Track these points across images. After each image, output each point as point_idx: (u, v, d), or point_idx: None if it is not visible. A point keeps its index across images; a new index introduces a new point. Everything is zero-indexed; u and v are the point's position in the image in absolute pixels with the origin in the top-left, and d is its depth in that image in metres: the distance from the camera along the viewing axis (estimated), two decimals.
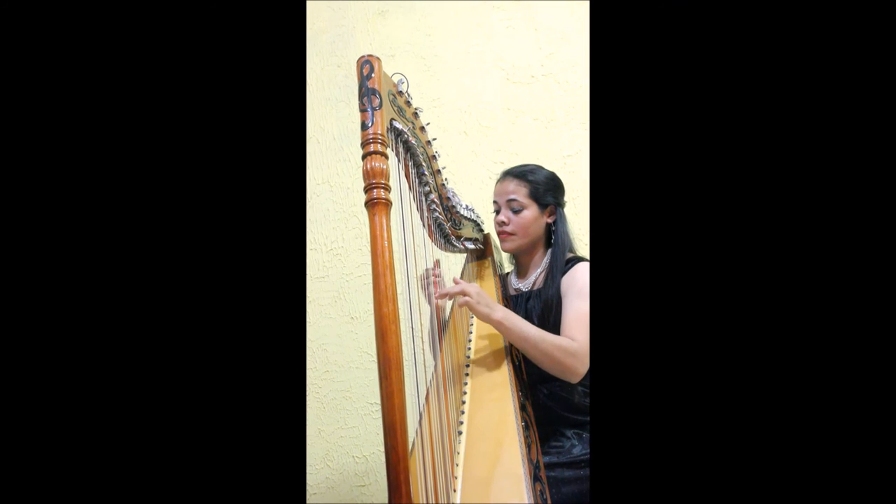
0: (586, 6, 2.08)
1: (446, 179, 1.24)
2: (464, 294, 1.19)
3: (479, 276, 1.55)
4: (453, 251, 1.47)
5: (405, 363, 0.76)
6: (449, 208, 1.29)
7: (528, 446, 1.02)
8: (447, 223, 1.31)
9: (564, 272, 1.34)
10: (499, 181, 1.46)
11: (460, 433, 1.08)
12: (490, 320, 1.20)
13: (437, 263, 1.38)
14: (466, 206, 1.38)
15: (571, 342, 1.19)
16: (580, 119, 2.16)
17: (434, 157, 1.15)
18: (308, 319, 2.27)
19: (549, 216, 1.42)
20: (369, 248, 0.77)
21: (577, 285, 1.28)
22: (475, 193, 2.06)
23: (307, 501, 2.12)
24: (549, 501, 0.98)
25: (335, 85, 2.45)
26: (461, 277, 1.49)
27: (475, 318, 1.38)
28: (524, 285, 1.44)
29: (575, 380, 1.20)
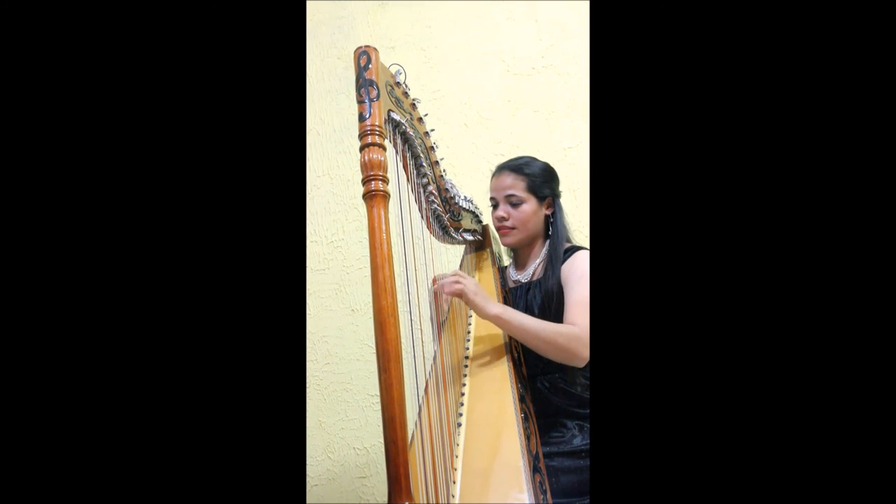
0: None
1: (444, 171, 1.23)
2: (458, 282, 1.18)
3: (477, 268, 1.55)
4: (452, 243, 1.47)
5: (404, 355, 0.76)
6: (447, 200, 1.29)
7: (528, 438, 1.02)
8: (446, 215, 1.30)
9: (563, 261, 1.34)
10: (494, 175, 1.45)
11: (460, 425, 1.08)
12: (487, 315, 1.19)
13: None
14: (465, 198, 1.37)
15: (573, 327, 1.18)
16: (581, 111, 2.15)
17: (432, 148, 1.15)
18: (308, 312, 2.27)
19: (548, 208, 1.42)
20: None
21: (578, 272, 1.28)
22: (476, 185, 2.05)
23: (308, 493, 2.14)
24: (548, 492, 0.98)
25: (335, 77, 2.44)
26: (460, 268, 1.48)
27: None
28: (523, 276, 1.44)
29: (580, 364, 1.19)
